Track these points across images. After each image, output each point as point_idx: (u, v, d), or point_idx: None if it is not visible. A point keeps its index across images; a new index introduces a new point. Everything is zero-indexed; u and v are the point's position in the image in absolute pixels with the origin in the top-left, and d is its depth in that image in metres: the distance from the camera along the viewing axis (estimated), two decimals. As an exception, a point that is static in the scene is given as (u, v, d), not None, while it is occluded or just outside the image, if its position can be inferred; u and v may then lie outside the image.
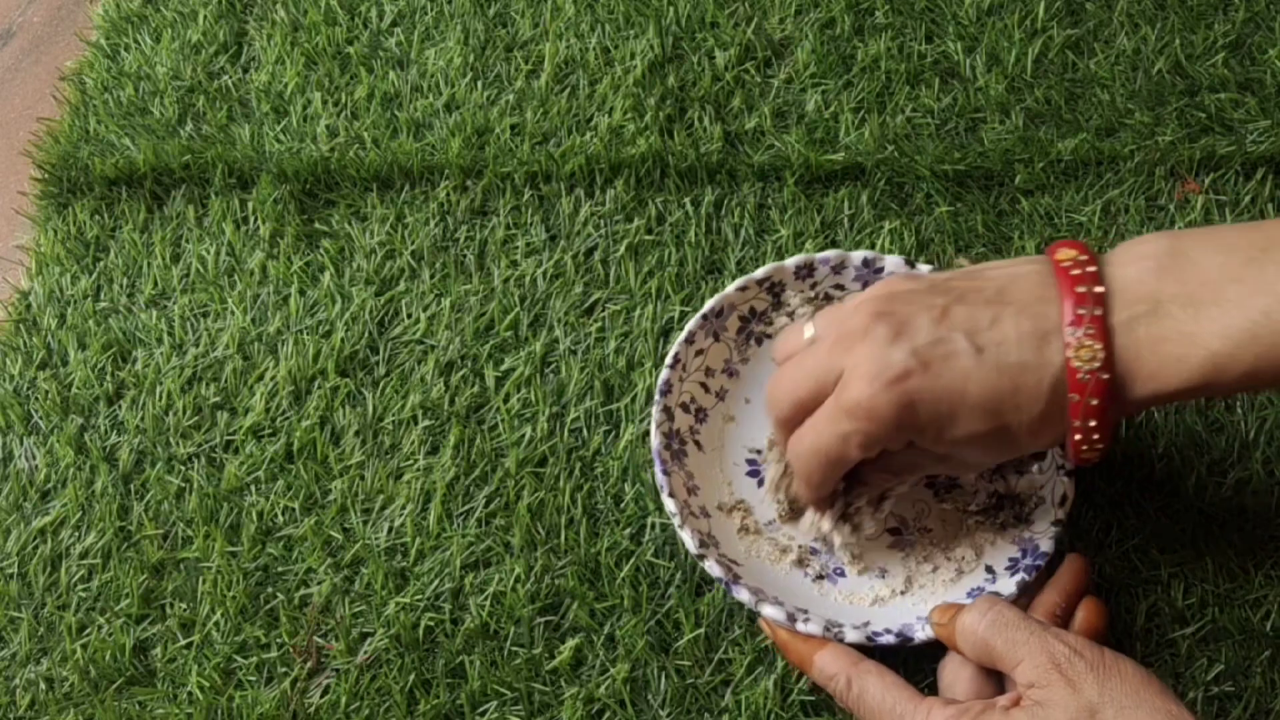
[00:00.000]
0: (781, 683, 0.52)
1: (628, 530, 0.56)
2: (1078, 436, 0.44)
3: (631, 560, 0.55)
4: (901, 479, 0.52)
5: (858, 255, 0.58)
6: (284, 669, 0.54)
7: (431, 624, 0.55)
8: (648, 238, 0.65)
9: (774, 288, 0.58)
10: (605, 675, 0.53)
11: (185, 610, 0.56)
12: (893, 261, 0.58)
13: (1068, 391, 0.44)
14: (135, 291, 0.66)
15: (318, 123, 0.71)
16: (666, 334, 0.62)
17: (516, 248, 0.65)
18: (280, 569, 0.57)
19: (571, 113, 0.70)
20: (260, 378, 0.62)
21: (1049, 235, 0.63)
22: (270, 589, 0.56)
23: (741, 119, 0.69)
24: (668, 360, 0.56)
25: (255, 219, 0.68)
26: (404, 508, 0.58)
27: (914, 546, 0.54)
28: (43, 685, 0.55)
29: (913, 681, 0.48)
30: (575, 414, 0.60)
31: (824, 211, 0.65)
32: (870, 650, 0.50)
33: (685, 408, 0.56)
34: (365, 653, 0.54)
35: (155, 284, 0.66)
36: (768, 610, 0.50)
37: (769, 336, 0.59)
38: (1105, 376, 0.43)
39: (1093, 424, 0.44)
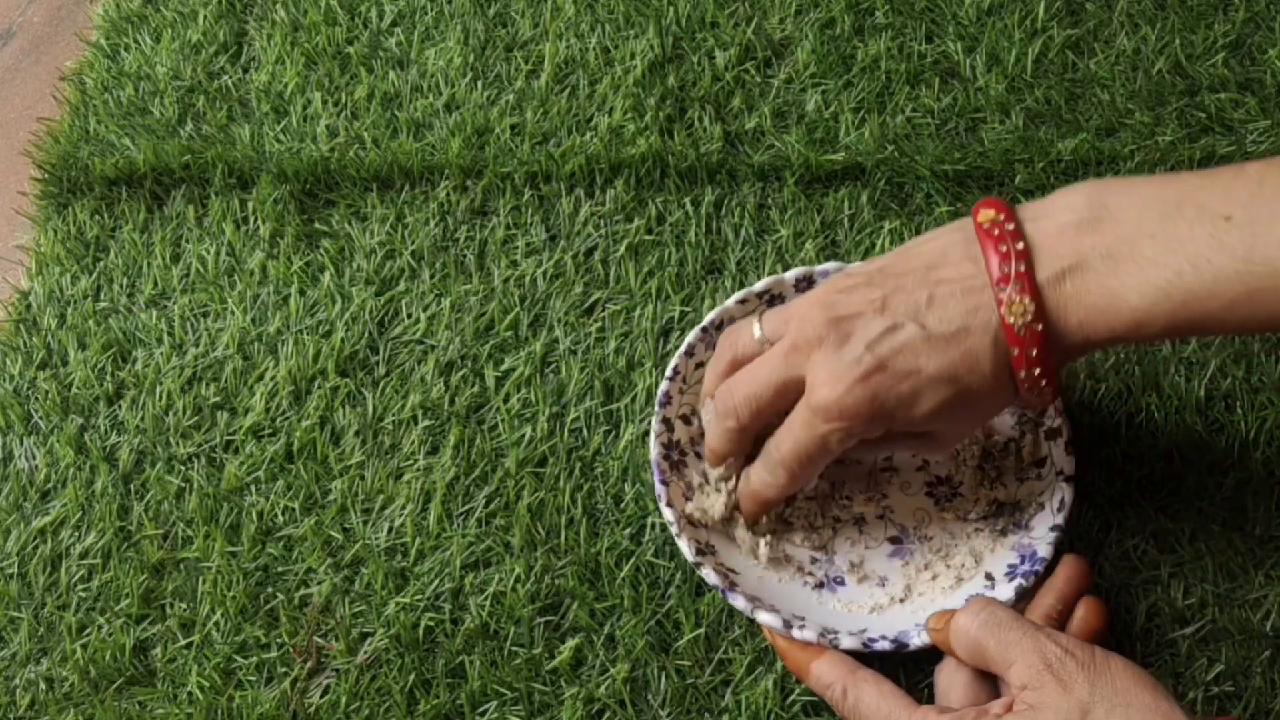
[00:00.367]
0: (781, 683, 0.52)
1: (628, 530, 0.56)
2: (1026, 385, 0.47)
3: (631, 560, 0.55)
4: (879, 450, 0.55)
5: (855, 268, 0.58)
6: (284, 669, 0.54)
7: (431, 624, 0.55)
8: (648, 238, 0.65)
9: (774, 301, 0.58)
10: (605, 675, 0.53)
11: (185, 610, 0.56)
12: None
13: (1008, 345, 0.46)
14: (135, 291, 0.66)
15: (318, 123, 0.71)
16: (666, 334, 0.62)
17: (516, 248, 0.65)
18: (280, 569, 0.57)
19: (571, 113, 0.70)
20: (260, 378, 0.62)
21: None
22: (270, 589, 0.56)
23: (741, 119, 0.69)
24: (667, 373, 0.56)
25: (255, 219, 0.68)
26: (404, 508, 0.58)
27: (913, 554, 0.54)
28: (43, 685, 0.55)
29: (909, 687, 0.48)
30: (575, 414, 0.60)
31: (824, 211, 0.65)
32: (867, 657, 0.50)
33: (685, 420, 0.56)
34: (365, 653, 0.54)
35: (155, 284, 0.66)
36: (763, 616, 0.50)
37: None
38: (1039, 327, 0.45)
39: (1036, 371, 0.46)
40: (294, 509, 0.58)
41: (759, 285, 0.57)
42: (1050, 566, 0.51)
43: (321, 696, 0.54)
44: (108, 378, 0.63)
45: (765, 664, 0.53)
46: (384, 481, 0.59)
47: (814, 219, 0.65)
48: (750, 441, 0.53)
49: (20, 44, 0.84)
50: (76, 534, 0.59)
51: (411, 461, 0.59)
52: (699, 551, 0.52)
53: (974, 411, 0.49)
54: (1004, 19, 0.71)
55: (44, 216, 0.70)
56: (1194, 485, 0.56)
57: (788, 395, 0.49)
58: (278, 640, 0.55)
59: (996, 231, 0.46)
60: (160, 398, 0.62)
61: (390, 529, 0.57)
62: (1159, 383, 0.58)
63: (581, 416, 0.60)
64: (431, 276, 0.65)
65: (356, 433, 0.60)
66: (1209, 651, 0.52)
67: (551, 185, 0.67)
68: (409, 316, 0.64)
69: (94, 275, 0.67)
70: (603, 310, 0.63)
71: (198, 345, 0.64)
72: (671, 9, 0.73)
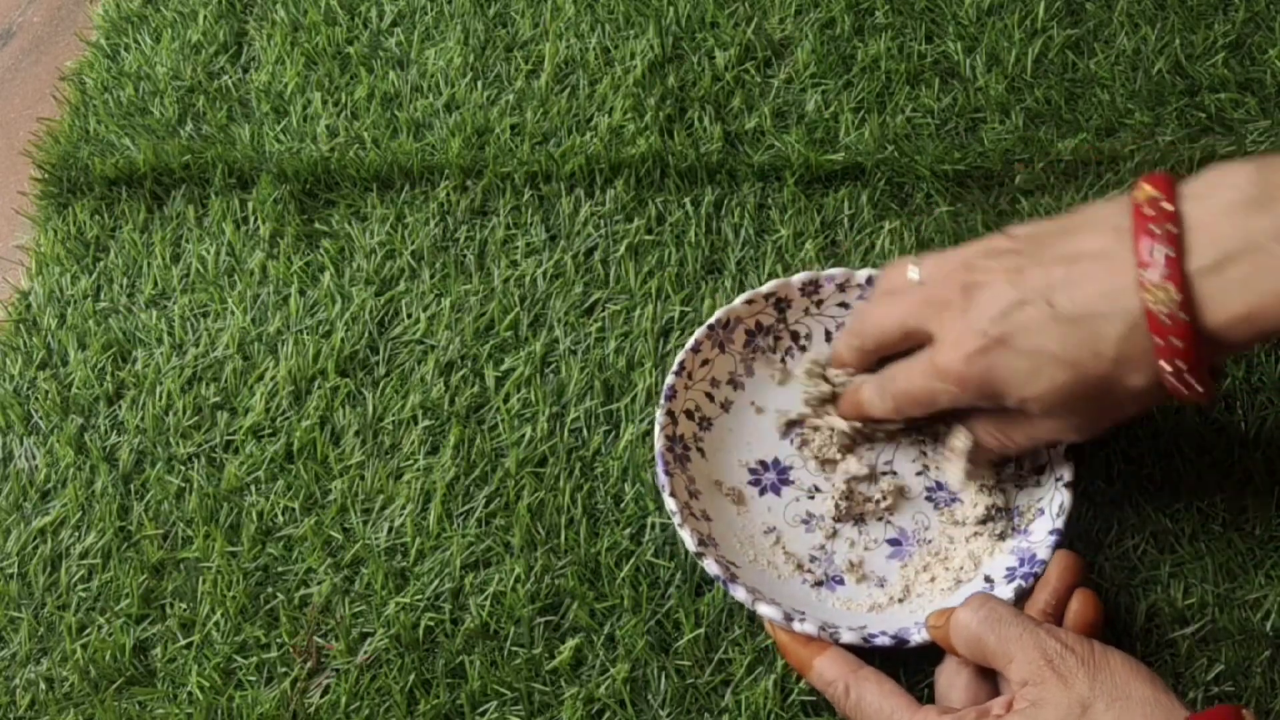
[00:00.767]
0: (781, 683, 0.52)
1: (628, 530, 0.56)
2: (1171, 379, 0.45)
3: (631, 560, 0.55)
4: (1010, 438, 0.53)
5: (862, 274, 0.59)
6: (284, 669, 0.54)
7: (431, 624, 0.55)
8: (648, 238, 0.65)
9: (779, 303, 0.59)
10: (605, 675, 0.53)
11: (185, 610, 0.56)
12: None
13: (1150, 335, 0.44)
14: (135, 291, 0.66)
15: (318, 123, 0.71)
16: (666, 334, 0.62)
17: (516, 248, 0.65)
18: (280, 569, 0.57)
19: (571, 113, 0.70)
20: (260, 378, 0.62)
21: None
22: (270, 589, 0.56)
23: (741, 119, 0.69)
24: (673, 367, 0.57)
25: (255, 219, 0.68)
26: (404, 508, 0.58)
27: (912, 557, 0.54)
28: (43, 685, 0.55)
29: (909, 687, 0.48)
30: (575, 414, 0.60)
31: (824, 211, 0.65)
32: (867, 653, 0.50)
33: (689, 415, 0.57)
34: (365, 653, 0.54)
35: (155, 284, 0.66)
36: (764, 609, 0.50)
37: (773, 350, 0.59)
38: (1185, 318, 0.43)
39: (1181, 365, 0.44)
40: (294, 509, 0.58)
41: (765, 287, 0.59)
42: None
43: (321, 696, 0.54)
44: (108, 378, 0.63)
45: (765, 664, 0.53)
46: (384, 481, 0.59)
47: (814, 219, 0.65)
48: (872, 363, 0.55)
49: (20, 44, 0.84)
50: (76, 534, 0.59)
51: (411, 461, 0.59)
52: (701, 542, 0.52)
53: (1101, 401, 0.48)
54: (1004, 19, 0.71)
55: (44, 216, 0.70)
56: (1194, 485, 0.56)
57: (911, 340, 0.52)
58: (278, 640, 0.55)
59: (1152, 211, 0.44)
60: (160, 398, 0.62)
61: (390, 529, 0.57)
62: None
63: (581, 416, 0.60)
64: (431, 276, 0.65)
65: (356, 433, 0.60)
66: (1209, 651, 0.52)
67: (551, 185, 0.67)
68: (409, 316, 0.64)
69: (94, 275, 0.67)
70: (603, 310, 0.63)
71: (198, 345, 0.64)
72: (671, 9, 0.73)
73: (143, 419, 0.62)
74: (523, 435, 0.59)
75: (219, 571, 0.57)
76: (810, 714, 0.52)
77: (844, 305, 0.60)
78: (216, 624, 0.56)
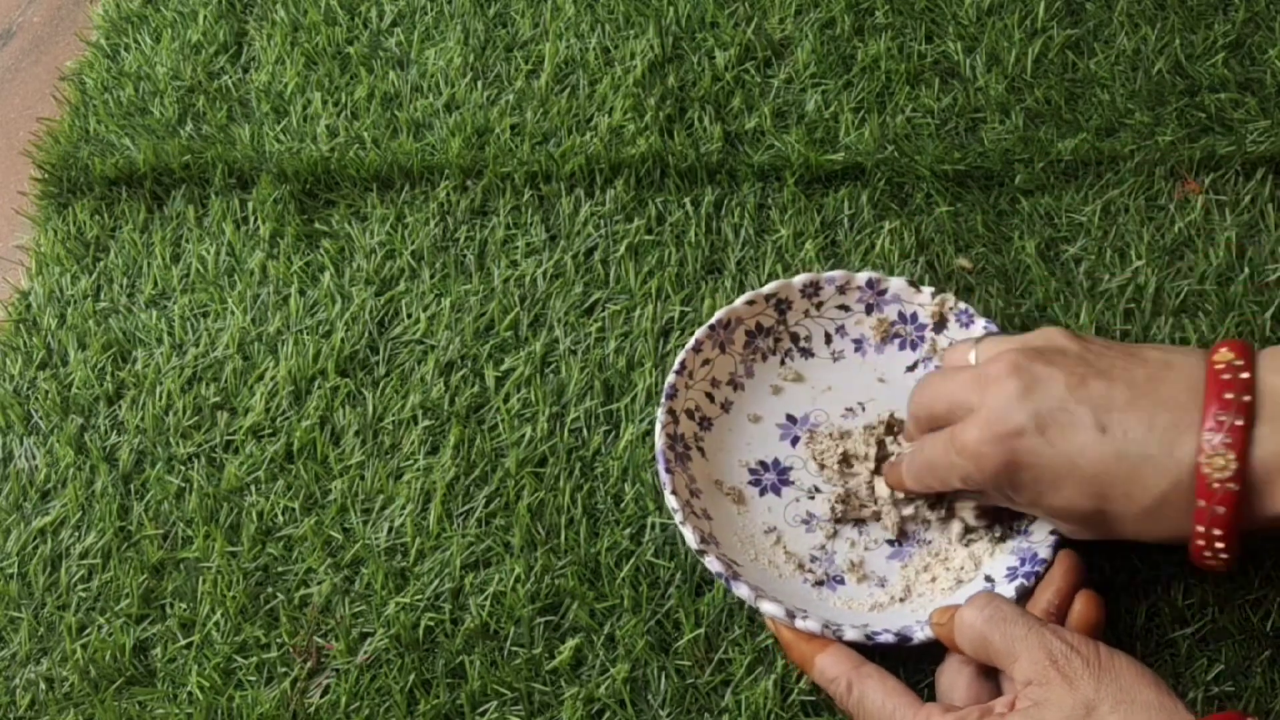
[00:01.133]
0: (781, 683, 0.52)
1: (628, 530, 0.56)
2: (1201, 543, 0.45)
3: (631, 560, 0.55)
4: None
5: (862, 276, 0.59)
6: (284, 669, 0.54)
7: (431, 624, 0.55)
8: (648, 238, 0.65)
9: (780, 304, 0.59)
10: (605, 675, 0.53)
11: (185, 610, 0.56)
12: (896, 284, 0.59)
13: (1195, 496, 0.44)
14: (135, 291, 0.66)
15: (318, 123, 0.71)
16: (666, 334, 0.62)
17: (516, 248, 0.65)
18: (280, 569, 0.57)
19: (571, 113, 0.70)
20: (260, 378, 0.62)
21: (1049, 235, 0.63)
22: (270, 589, 0.56)
23: (741, 119, 0.69)
24: (674, 366, 0.57)
25: (255, 219, 0.68)
26: (404, 508, 0.58)
27: (912, 557, 0.54)
28: (43, 685, 0.55)
29: (909, 685, 0.48)
30: (575, 414, 0.60)
31: (824, 211, 0.65)
32: (869, 651, 0.50)
33: (690, 414, 0.57)
34: (365, 653, 0.54)
35: (155, 284, 0.66)
36: (766, 606, 0.50)
37: (773, 352, 0.59)
38: (1234, 488, 0.43)
39: (1217, 533, 0.44)
40: (294, 509, 0.58)
41: (766, 289, 0.59)
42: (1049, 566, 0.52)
43: (321, 696, 0.54)
44: (108, 378, 0.63)
45: (765, 664, 0.53)
46: (384, 481, 0.59)
47: (814, 219, 0.65)
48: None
49: (20, 44, 0.84)
50: (76, 534, 0.59)
51: (411, 461, 0.59)
52: (703, 540, 0.52)
53: (1102, 530, 0.48)
54: (1004, 19, 0.71)
55: (44, 216, 0.70)
56: (1194, 485, 0.56)
57: (954, 415, 0.50)
58: (278, 640, 0.55)
59: (1227, 376, 0.44)
60: (160, 398, 0.62)
61: (390, 529, 0.57)
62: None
63: (581, 416, 0.60)
64: (431, 276, 0.65)
65: (356, 433, 0.60)
66: (1209, 651, 0.52)
67: (551, 185, 0.67)
68: (409, 316, 0.64)
69: (94, 275, 0.67)
70: (603, 310, 0.63)
71: (198, 345, 0.64)
72: (671, 9, 0.73)
73: (143, 419, 0.62)
74: (523, 435, 0.59)
75: (219, 571, 0.57)
76: (810, 714, 0.52)
77: (844, 308, 0.60)
78: (216, 624, 0.56)
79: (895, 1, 0.72)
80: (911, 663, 0.51)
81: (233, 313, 0.65)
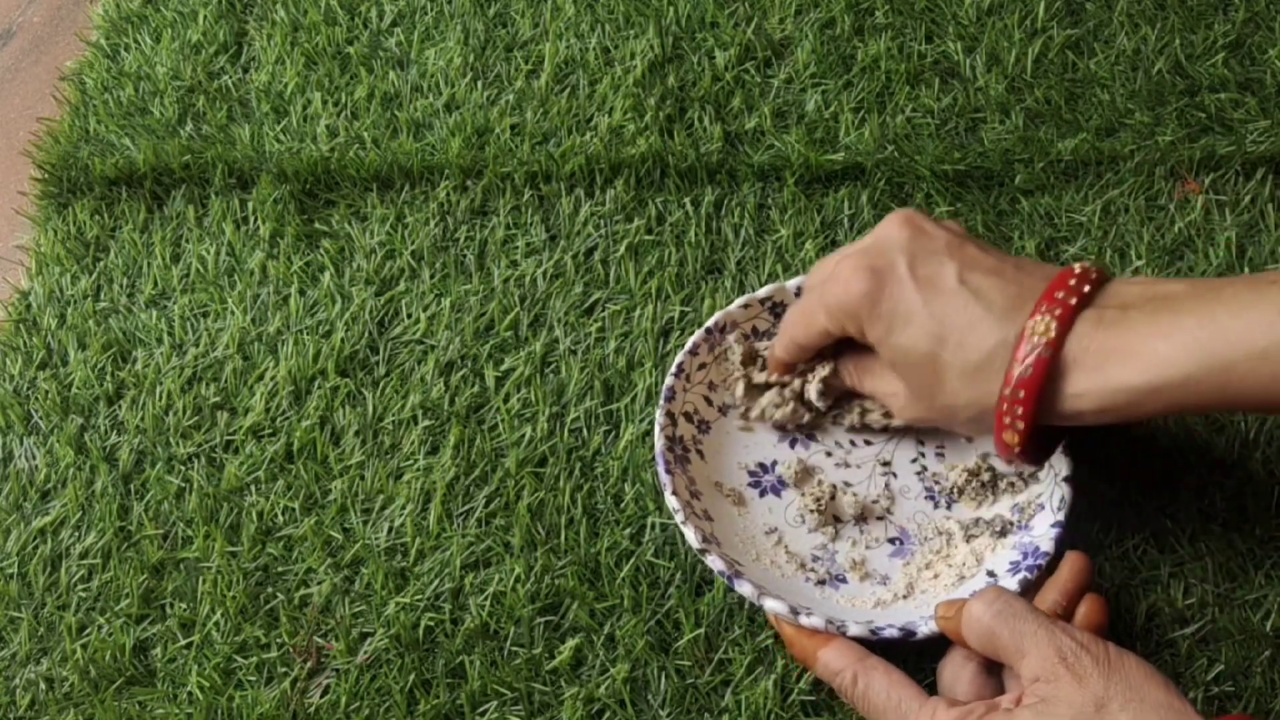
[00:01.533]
0: (781, 682, 0.52)
1: (628, 530, 0.56)
2: (1004, 406, 0.47)
3: (631, 560, 0.55)
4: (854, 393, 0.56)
5: None
6: (284, 669, 0.54)
7: (431, 624, 0.55)
8: (648, 238, 0.65)
9: (775, 308, 0.59)
10: (605, 675, 0.53)
11: (185, 610, 0.56)
12: None
13: (1010, 354, 0.46)
14: (135, 291, 0.66)
15: (318, 123, 0.71)
16: (666, 334, 0.62)
17: (516, 248, 0.65)
18: (280, 569, 0.57)
19: (571, 113, 0.70)
20: (260, 378, 0.62)
21: (1049, 235, 0.63)
22: (270, 589, 0.56)
23: (741, 119, 0.69)
24: (672, 369, 0.57)
25: (255, 219, 0.68)
26: (404, 508, 0.58)
27: (914, 555, 0.54)
28: (43, 685, 0.55)
29: (914, 680, 0.48)
30: (575, 414, 0.60)
31: (824, 211, 0.65)
32: (873, 647, 0.50)
33: (688, 417, 0.57)
34: (365, 653, 0.54)
35: (155, 284, 0.66)
36: (770, 604, 0.50)
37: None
38: (1046, 355, 0.45)
39: (1021, 394, 0.46)
40: (294, 509, 0.58)
41: (762, 292, 0.59)
42: (1053, 564, 0.51)
43: (321, 696, 0.54)
44: (108, 378, 0.63)
45: (765, 664, 0.53)
46: (384, 481, 0.59)
47: (814, 219, 0.65)
48: (808, 355, 0.56)
49: (20, 44, 0.84)
50: (76, 534, 0.59)
51: (411, 461, 0.59)
52: (704, 539, 0.52)
53: (930, 390, 0.50)
54: (1004, 19, 0.71)
55: (44, 216, 0.70)
56: (1194, 485, 0.56)
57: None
58: (278, 640, 0.55)
59: (1079, 272, 0.47)
60: (160, 398, 0.62)
61: (390, 529, 0.57)
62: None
63: (581, 416, 0.60)
64: (431, 276, 0.65)
65: (356, 433, 0.60)
66: (1209, 651, 0.52)
67: (551, 185, 0.67)
68: (409, 316, 0.64)
69: (94, 275, 0.67)
70: (603, 310, 0.63)
71: (198, 345, 0.64)
72: (671, 9, 0.73)
73: (143, 419, 0.62)
74: (523, 435, 0.59)
75: (219, 571, 0.57)
76: (810, 714, 0.52)
77: None
78: (216, 624, 0.56)
79: (895, 1, 0.72)
80: (913, 659, 0.51)
81: (233, 313, 0.65)
